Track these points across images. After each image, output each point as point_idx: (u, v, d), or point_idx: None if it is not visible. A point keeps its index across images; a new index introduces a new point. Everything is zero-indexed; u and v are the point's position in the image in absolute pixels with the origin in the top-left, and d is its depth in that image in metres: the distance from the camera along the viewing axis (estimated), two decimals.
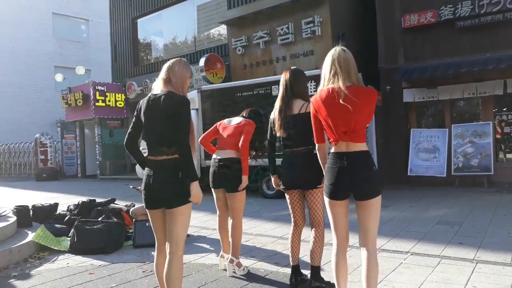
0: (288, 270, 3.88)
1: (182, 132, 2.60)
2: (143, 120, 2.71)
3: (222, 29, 13.91)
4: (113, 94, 16.71)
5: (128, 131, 2.82)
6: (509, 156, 9.57)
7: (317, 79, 7.77)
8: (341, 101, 2.49)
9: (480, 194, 7.93)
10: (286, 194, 3.47)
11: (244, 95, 8.96)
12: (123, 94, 16.91)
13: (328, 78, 2.61)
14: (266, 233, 5.52)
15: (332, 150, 2.67)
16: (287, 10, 11.08)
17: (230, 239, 3.89)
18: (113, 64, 18.47)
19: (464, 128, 9.23)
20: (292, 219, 3.47)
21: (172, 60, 2.78)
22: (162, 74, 2.73)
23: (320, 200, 3.30)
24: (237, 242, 3.84)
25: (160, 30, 17.10)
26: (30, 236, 5.04)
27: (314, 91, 7.96)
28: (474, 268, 3.73)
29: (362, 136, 2.59)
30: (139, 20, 17.48)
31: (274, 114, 3.41)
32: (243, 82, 9.48)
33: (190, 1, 15.12)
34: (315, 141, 2.80)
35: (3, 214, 5.62)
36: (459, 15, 9.16)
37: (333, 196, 2.63)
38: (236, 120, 3.98)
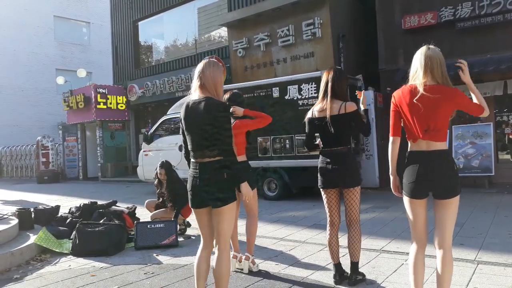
0: (290, 271, 3.91)
1: (223, 136, 2.67)
2: (184, 125, 2.78)
3: (223, 31, 13.94)
4: (115, 96, 16.75)
5: (183, 141, 2.89)
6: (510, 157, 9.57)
7: (317, 81, 7.82)
8: (414, 100, 2.50)
9: (481, 195, 7.92)
10: (323, 193, 3.47)
11: (244, 97, 8.97)
12: (124, 97, 16.96)
13: (411, 75, 2.64)
14: (268, 234, 5.53)
15: (411, 148, 2.66)
16: (288, 12, 11.11)
17: (246, 237, 4.00)
18: (114, 66, 18.52)
19: (465, 129, 9.23)
20: (328, 219, 3.47)
21: (201, 64, 2.81)
22: (196, 80, 2.78)
23: (358, 199, 3.37)
24: (253, 239, 3.98)
25: (161, 33, 17.15)
26: (32, 238, 5.06)
27: (315, 93, 7.95)
28: (475, 269, 3.73)
29: (443, 135, 2.58)
30: (140, 23, 17.53)
31: (313, 114, 3.43)
32: (244, 84, 9.49)
33: (190, 4, 15.18)
34: (390, 134, 2.76)
35: (5, 216, 5.65)
36: (459, 16, 9.18)
37: (413, 195, 2.63)
38: None
